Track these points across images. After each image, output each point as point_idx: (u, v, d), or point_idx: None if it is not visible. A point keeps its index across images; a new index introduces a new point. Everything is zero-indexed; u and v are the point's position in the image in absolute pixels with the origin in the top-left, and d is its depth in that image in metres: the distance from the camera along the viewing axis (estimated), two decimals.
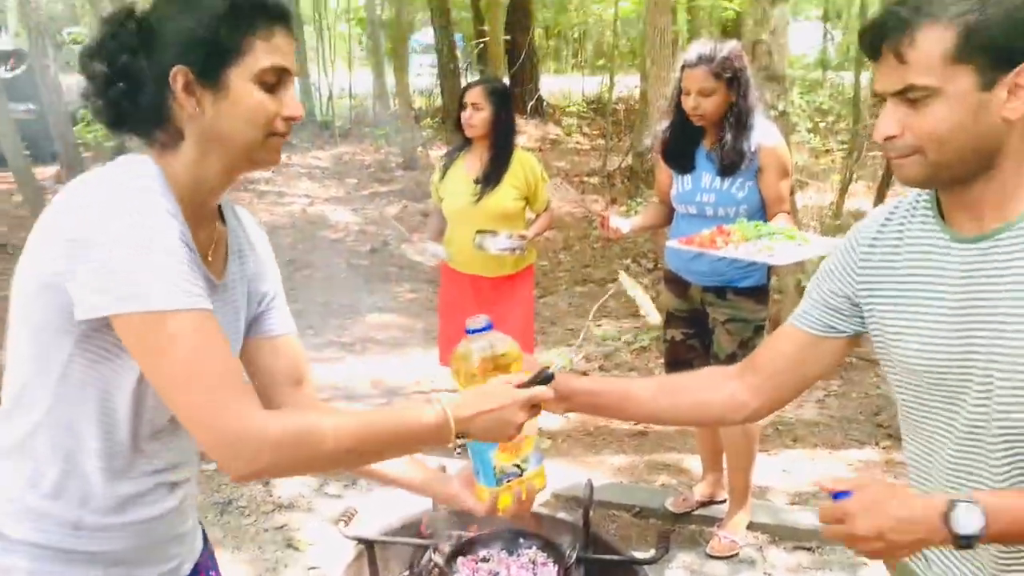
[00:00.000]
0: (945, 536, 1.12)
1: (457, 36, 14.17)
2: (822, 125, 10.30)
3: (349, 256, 8.03)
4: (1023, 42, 1.11)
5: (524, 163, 3.71)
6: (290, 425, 1.15)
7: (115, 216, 1.11)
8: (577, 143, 12.75)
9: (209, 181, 1.25)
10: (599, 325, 6.11)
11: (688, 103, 2.94)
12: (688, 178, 3.06)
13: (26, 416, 1.23)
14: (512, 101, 3.95)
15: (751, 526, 3.29)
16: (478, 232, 3.59)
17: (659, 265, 6.91)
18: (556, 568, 1.95)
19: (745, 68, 2.94)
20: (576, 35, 19.64)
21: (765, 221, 2.93)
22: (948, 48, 1.11)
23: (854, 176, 7.55)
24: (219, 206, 1.35)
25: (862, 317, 1.38)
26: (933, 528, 1.12)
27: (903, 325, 1.29)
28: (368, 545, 2.05)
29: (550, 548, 2.02)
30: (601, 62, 16.03)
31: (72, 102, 10.80)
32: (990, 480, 1.22)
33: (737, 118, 2.94)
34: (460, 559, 1.99)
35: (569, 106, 14.07)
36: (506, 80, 10.49)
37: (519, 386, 1.32)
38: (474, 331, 1.39)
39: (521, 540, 2.04)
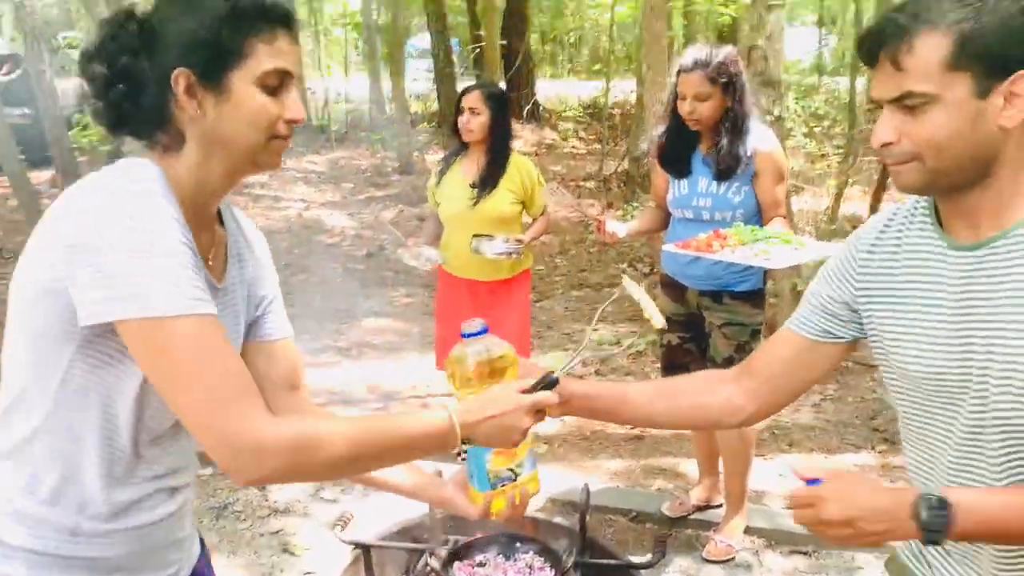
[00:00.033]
0: (912, 529, 1.13)
1: (453, 41, 14.20)
2: (817, 130, 10.34)
3: (345, 261, 8.03)
4: (1018, 50, 1.12)
5: (521, 167, 3.71)
6: (297, 431, 1.15)
7: (117, 220, 1.10)
8: (573, 147, 12.77)
9: (211, 184, 1.25)
10: (595, 329, 6.11)
11: (684, 108, 2.95)
12: (684, 182, 3.07)
13: (24, 422, 1.22)
14: (509, 105, 3.95)
15: (747, 530, 3.29)
16: (475, 236, 3.59)
17: (655, 269, 6.92)
18: (553, 573, 1.94)
19: (741, 73, 2.95)
20: (572, 40, 19.69)
21: (761, 225, 2.93)
22: (945, 55, 1.12)
23: (849, 181, 7.57)
24: (218, 209, 1.35)
25: (860, 323, 1.38)
26: (902, 520, 1.14)
27: (901, 332, 1.29)
28: (364, 550, 2.05)
29: (547, 553, 2.01)
30: (597, 67, 16.07)
31: (67, 106, 10.80)
32: (991, 483, 1.23)
33: (733, 123, 2.94)
34: (456, 564, 1.98)
35: (565, 111, 14.10)
36: (502, 85, 10.50)
37: (523, 391, 1.31)
38: (469, 335, 1.39)
39: (518, 545, 2.04)
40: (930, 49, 1.12)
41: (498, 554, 2.03)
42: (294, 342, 1.48)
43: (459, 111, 3.67)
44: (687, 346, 3.20)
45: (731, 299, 3.04)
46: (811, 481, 1.21)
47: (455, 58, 13.61)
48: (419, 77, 15.17)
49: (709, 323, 3.08)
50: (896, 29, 1.15)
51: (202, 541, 1.52)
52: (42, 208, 8.04)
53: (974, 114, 1.13)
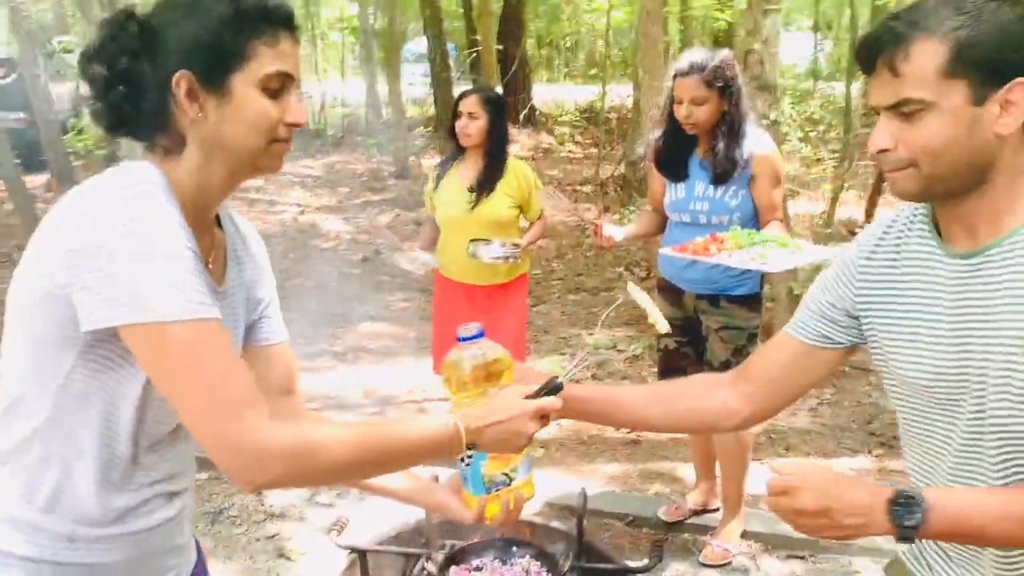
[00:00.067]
0: (887, 525, 1.14)
1: (450, 46, 14.20)
2: (813, 135, 10.36)
3: (341, 265, 8.02)
4: (1014, 58, 1.12)
5: (518, 171, 3.71)
6: (301, 436, 1.14)
7: (119, 223, 1.09)
8: (570, 152, 12.78)
9: (212, 187, 1.24)
10: (591, 334, 6.11)
11: (680, 112, 2.95)
12: (681, 186, 3.07)
13: (23, 427, 1.21)
14: (506, 110, 3.95)
15: (744, 535, 3.29)
16: (471, 241, 3.59)
17: (652, 273, 6.92)
18: None
19: (737, 77, 2.95)
20: (568, 45, 19.73)
21: (758, 229, 2.93)
22: (942, 63, 1.12)
23: (845, 185, 7.58)
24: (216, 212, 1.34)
25: (859, 329, 1.38)
26: (877, 516, 1.15)
27: (900, 338, 1.30)
28: (360, 554, 2.04)
29: (543, 557, 2.01)
30: (593, 71, 16.08)
31: (62, 110, 10.80)
32: (990, 485, 1.23)
33: (729, 127, 2.95)
34: (453, 568, 1.98)
35: (562, 115, 14.11)
36: (499, 89, 10.51)
37: (528, 397, 1.31)
38: (465, 339, 1.39)
39: (514, 549, 2.04)
40: (927, 56, 1.13)
41: (495, 558, 2.02)
42: (289, 346, 1.48)
43: (456, 115, 3.67)
44: (684, 350, 3.19)
45: (728, 303, 3.04)
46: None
47: (451, 63, 13.61)
48: (415, 81, 15.16)
49: (706, 327, 3.08)
50: (893, 36, 1.15)
51: (198, 546, 1.51)
52: (37, 212, 8.03)
53: (970, 121, 1.13)
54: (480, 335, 1.39)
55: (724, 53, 3.00)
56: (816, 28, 15.61)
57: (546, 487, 3.58)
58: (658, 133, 3.15)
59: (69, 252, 1.10)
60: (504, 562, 2.01)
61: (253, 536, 3.41)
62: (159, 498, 1.30)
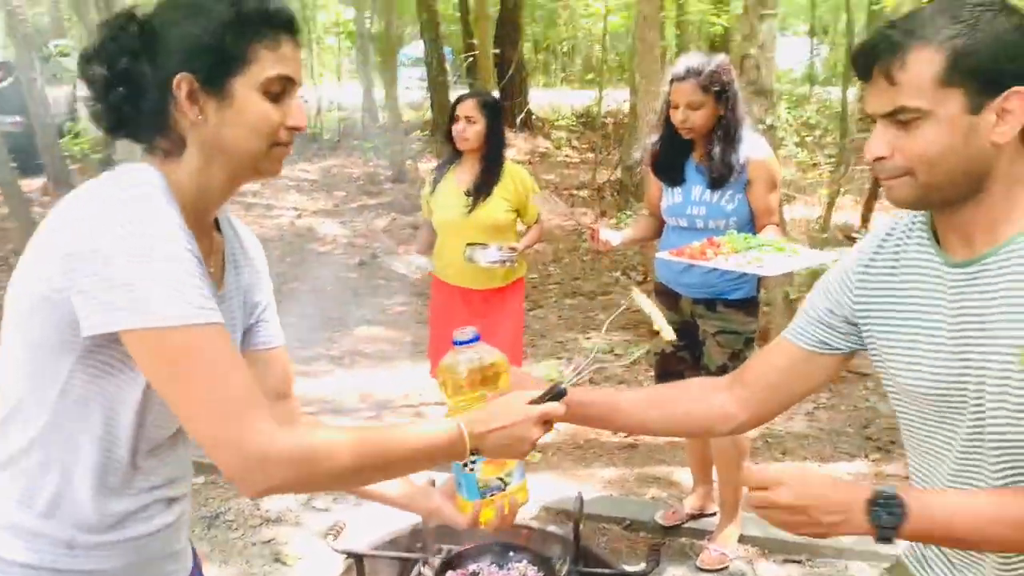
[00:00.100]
0: (865, 525, 1.15)
1: (446, 50, 14.20)
2: (809, 139, 10.37)
3: (337, 269, 8.01)
4: (1011, 67, 1.12)
5: (515, 175, 3.71)
6: (305, 441, 1.13)
7: (119, 226, 1.08)
8: (566, 156, 12.79)
9: (212, 190, 1.23)
10: (588, 338, 6.11)
11: (677, 116, 2.95)
12: (678, 191, 3.07)
13: (21, 433, 1.20)
14: (503, 113, 3.96)
15: (741, 539, 3.29)
16: (468, 245, 3.58)
17: (648, 278, 6.93)
18: None
19: (733, 81, 2.96)
20: (565, 49, 19.75)
21: (754, 233, 2.94)
22: (938, 71, 1.12)
23: (841, 190, 7.59)
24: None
25: (859, 335, 1.39)
26: (855, 515, 1.15)
27: (899, 347, 1.30)
28: (357, 559, 2.03)
29: (540, 561, 2.00)
30: (590, 76, 16.11)
31: (59, 114, 10.80)
32: (994, 483, 1.23)
33: (725, 131, 2.95)
34: (449, 573, 1.98)
35: (558, 120, 14.11)
36: (495, 93, 10.53)
37: (532, 402, 1.31)
38: (461, 343, 1.38)
39: (511, 554, 2.03)
40: (923, 64, 1.13)
41: (491, 563, 2.02)
42: (286, 350, 1.47)
43: (453, 119, 3.67)
44: (681, 354, 3.19)
45: (725, 307, 3.04)
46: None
47: (448, 67, 13.62)
48: (412, 86, 15.17)
49: (703, 331, 3.08)
50: (890, 45, 1.15)
51: (193, 551, 1.50)
52: (33, 216, 8.02)
53: (966, 130, 1.14)
54: (476, 339, 1.39)
55: (720, 58, 3.01)
56: (812, 33, 15.66)
57: (543, 491, 3.58)
58: (655, 137, 3.16)
59: (67, 256, 1.09)
60: (501, 567, 2.00)
61: (249, 541, 3.40)
62: (158, 503, 1.30)
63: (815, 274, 4.91)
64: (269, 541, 3.40)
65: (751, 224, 3.00)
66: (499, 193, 3.65)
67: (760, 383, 1.49)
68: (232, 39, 1.16)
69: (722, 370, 3.00)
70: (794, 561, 3.23)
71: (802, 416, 4.55)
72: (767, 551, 3.28)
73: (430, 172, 4.01)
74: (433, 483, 1.66)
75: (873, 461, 4.04)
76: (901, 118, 1.16)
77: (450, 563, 2.00)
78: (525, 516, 3.27)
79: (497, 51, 12.52)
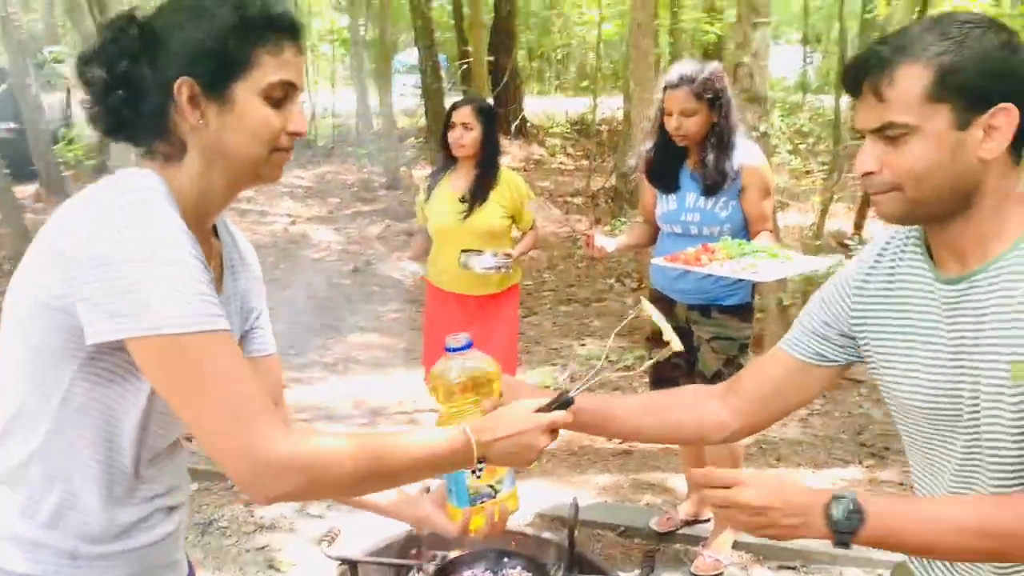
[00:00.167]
0: (824, 529, 1.16)
1: (441, 57, 14.24)
2: (802, 147, 10.41)
3: (331, 275, 8.01)
4: (998, 84, 1.14)
5: (510, 182, 3.72)
6: (316, 448, 1.12)
7: (123, 232, 1.07)
8: (561, 163, 12.81)
9: (213, 195, 1.22)
10: (583, 344, 6.11)
11: (671, 124, 2.96)
12: (673, 198, 3.08)
13: (22, 443, 1.18)
14: (498, 119, 3.96)
15: (736, 545, 3.29)
16: (463, 251, 3.59)
17: (643, 284, 6.94)
18: None
19: (726, 88, 2.97)
20: (559, 57, 19.80)
21: (748, 240, 2.95)
22: (925, 87, 1.14)
23: (834, 197, 7.62)
24: None
25: (855, 348, 1.40)
26: (814, 518, 1.17)
27: (896, 362, 1.31)
28: (351, 565, 2.03)
29: (535, 568, 2.00)
30: (584, 83, 16.16)
31: (53, 121, 10.78)
32: (992, 492, 1.24)
33: (719, 138, 2.96)
34: None
35: (553, 127, 14.14)
36: (490, 100, 10.55)
37: (539, 410, 1.30)
38: (454, 349, 1.38)
39: (506, 560, 2.03)
40: (911, 81, 1.14)
41: (486, 569, 2.01)
42: (278, 358, 1.47)
43: (449, 126, 3.67)
44: (675, 360, 3.19)
45: (720, 313, 3.05)
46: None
47: (442, 74, 13.64)
48: (406, 92, 15.20)
49: (698, 337, 3.09)
50: (879, 61, 1.17)
51: (188, 559, 1.50)
52: (26, 223, 8.00)
53: (954, 145, 1.15)
54: (469, 346, 1.39)
55: (713, 65, 3.02)
56: (805, 41, 15.71)
57: (537, 498, 3.58)
58: (649, 145, 3.17)
59: (69, 262, 1.07)
60: (495, 573, 1.99)
61: (243, 547, 3.39)
62: (159, 512, 1.29)
63: (809, 281, 4.95)
64: (263, 548, 3.39)
65: (745, 231, 3.01)
66: (494, 199, 3.66)
67: (755, 393, 1.50)
68: (235, 43, 1.15)
69: (717, 376, 3.01)
70: (788, 567, 3.23)
71: (796, 422, 4.56)
72: (761, 557, 3.29)
73: (424, 179, 4.02)
74: (428, 490, 1.66)
75: (867, 467, 4.05)
76: (889, 133, 1.17)
77: (444, 570, 2.00)
78: (520, 522, 3.26)
79: (491, 58, 12.55)
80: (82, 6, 7.40)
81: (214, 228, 1.33)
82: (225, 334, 1.10)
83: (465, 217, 3.64)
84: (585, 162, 11.82)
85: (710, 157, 2.96)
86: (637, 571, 1.97)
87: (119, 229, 1.07)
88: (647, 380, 3.45)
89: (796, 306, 5.17)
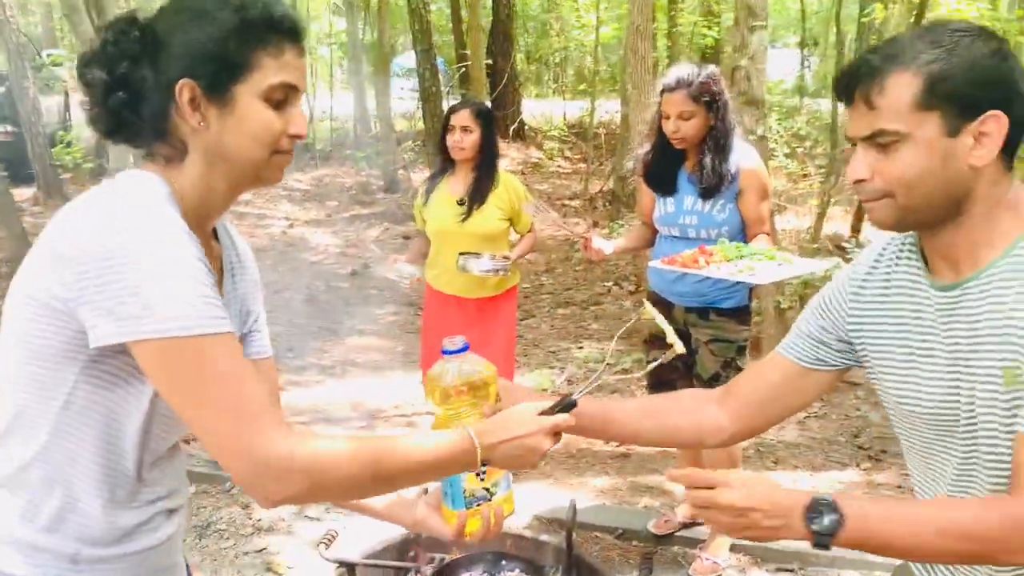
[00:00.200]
0: (803, 531, 1.17)
1: (439, 60, 14.24)
2: (800, 150, 10.43)
3: (329, 278, 8.01)
4: (987, 91, 1.15)
5: (508, 185, 3.73)
6: (321, 450, 1.12)
7: (126, 234, 1.06)
8: (559, 167, 12.82)
9: (214, 198, 1.22)
10: (580, 347, 6.12)
11: (668, 127, 2.97)
12: (670, 200, 3.09)
13: (22, 446, 1.17)
14: (496, 123, 3.97)
15: (734, 548, 3.29)
16: (461, 254, 3.59)
17: (641, 287, 6.95)
18: None
19: (723, 92, 2.98)
20: (557, 60, 19.80)
21: (746, 242, 2.95)
22: (915, 95, 1.15)
23: (831, 200, 7.64)
24: None
25: (853, 352, 1.41)
26: (794, 520, 1.17)
27: (893, 367, 1.32)
28: (349, 568, 2.03)
29: (533, 570, 2.00)
30: (582, 87, 16.16)
31: (50, 124, 10.78)
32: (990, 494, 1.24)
33: (716, 141, 2.97)
34: None
35: (551, 130, 14.16)
36: (488, 104, 10.55)
37: (542, 413, 1.31)
38: (450, 352, 1.39)
39: (503, 562, 2.03)
40: (901, 89, 1.15)
41: (484, 572, 2.01)
42: (274, 362, 1.47)
43: (448, 130, 3.68)
44: (673, 363, 3.19)
45: (717, 316, 3.05)
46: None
47: (440, 77, 13.65)
48: (404, 96, 15.21)
49: (696, 340, 3.09)
50: (869, 69, 1.18)
51: (185, 561, 1.49)
52: (24, 226, 8.00)
53: (944, 152, 1.16)
54: (465, 348, 1.39)
55: (710, 68, 3.03)
56: (803, 45, 15.73)
57: (535, 500, 3.58)
58: (646, 148, 3.17)
59: (72, 265, 1.07)
60: (493, 575, 2.00)
61: (241, 550, 3.39)
62: (160, 515, 1.28)
63: (806, 284, 4.96)
64: (261, 550, 3.38)
65: (742, 233, 3.02)
66: (492, 202, 3.66)
67: (752, 397, 1.51)
68: (236, 46, 1.15)
69: (715, 378, 3.01)
70: (786, 570, 3.23)
71: (794, 425, 4.56)
72: (759, 560, 3.29)
73: (423, 182, 4.02)
74: (426, 491, 1.66)
75: (864, 470, 4.05)
76: (880, 141, 1.18)
77: (442, 572, 2.00)
78: (518, 525, 3.26)
79: (489, 62, 12.56)
80: (80, 9, 7.40)
81: (214, 231, 1.33)
82: (228, 336, 1.10)
83: (463, 220, 3.65)
84: (583, 165, 11.84)
85: (707, 160, 2.97)
86: (635, 574, 1.97)
87: (122, 231, 1.06)
88: (645, 383, 3.45)
89: (794, 309, 5.18)
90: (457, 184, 3.72)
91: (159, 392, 1.12)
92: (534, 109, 15.34)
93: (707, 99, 2.92)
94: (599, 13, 12.04)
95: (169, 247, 1.08)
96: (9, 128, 10.77)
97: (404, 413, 4.88)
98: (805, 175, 9.88)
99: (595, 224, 9.07)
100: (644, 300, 1.90)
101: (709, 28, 12.10)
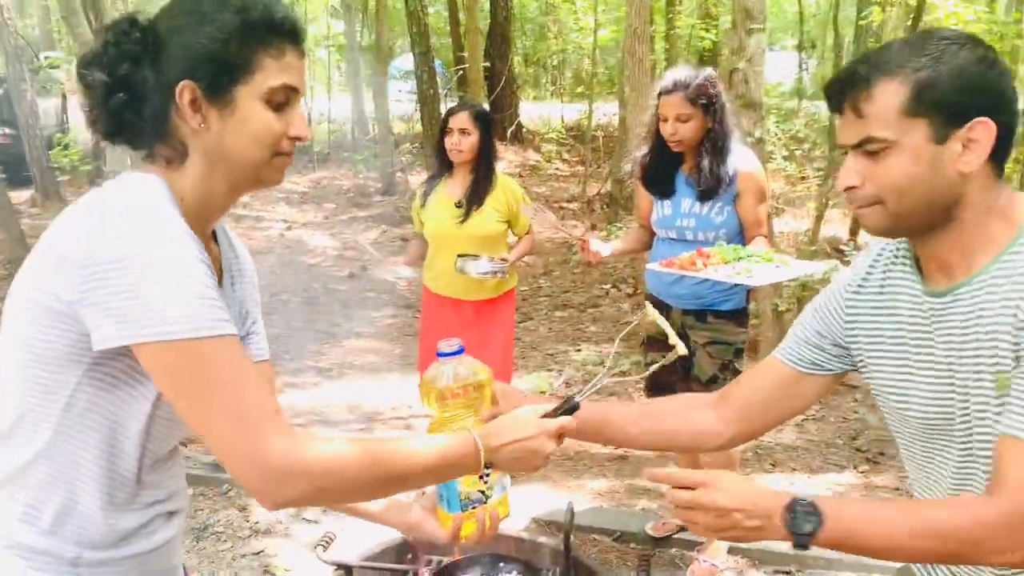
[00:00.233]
0: (783, 532, 1.18)
1: (437, 63, 14.24)
2: (798, 153, 10.43)
3: (327, 281, 8.01)
4: (975, 98, 1.16)
5: (506, 187, 3.73)
6: (325, 453, 1.12)
7: (130, 237, 1.06)
8: (557, 169, 12.83)
9: (214, 199, 1.22)
10: (578, 350, 6.12)
11: (666, 129, 2.98)
12: (668, 203, 3.09)
13: (23, 448, 1.17)
14: (494, 125, 3.97)
15: (731, 550, 3.29)
16: (459, 256, 3.59)
17: (639, 290, 6.95)
18: None
19: (720, 94, 2.98)
20: (555, 63, 19.81)
21: (744, 245, 2.96)
22: (903, 102, 1.16)
23: (829, 203, 7.64)
24: None
25: (850, 357, 1.42)
26: (774, 520, 1.18)
27: (889, 372, 1.33)
28: (347, 570, 2.03)
29: (530, 572, 2.00)
30: (580, 89, 16.18)
31: (48, 126, 10.79)
32: None
33: (713, 144, 2.98)
34: None
35: (548, 133, 14.16)
36: (485, 106, 10.55)
37: (545, 415, 1.31)
38: (446, 354, 1.39)
39: (501, 565, 2.03)
40: (888, 96, 1.17)
41: (482, 574, 2.01)
42: (272, 364, 1.47)
43: (445, 132, 3.68)
44: (672, 365, 3.18)
45: (715, 318, 3.05)
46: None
47: (438, 80, 13.66)
48: (402, 98, 15.21)
49: (693, 342, 3.09)
50: (857, 78, 1.20)
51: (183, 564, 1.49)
52: (22, 228, 8.00)
53: (932, 159, 1.17)
54: (460, 351, 1.39)
55: (707, 71, 3.03)
56: (801, 48, 15.76)
57: (533, 503, 3.58)
58: (644, 150, 3.18)
59: (75, 267, 1.06)
60: None
61: (238, 552, 3.38)
62: (160, 518, 1.28)
63: (804, 286, 4.95)
64: (258, 553, 3.38)
65: (740, 236, 3.02)
66: (490, 204, 3.67)
67: (749, 401, 1.51)
68: (236, 47, 1.15)
69: (713, 380, 3.02)
70: (783, 572, 3.23)
71: (792, 427, 4.56)
72: (757, 562, 3.29)
73: (420, 185, 4.02)
74: (424, 493, 1.66)
75: (862, 473, 4.05)
76: (869, 148, 1.19)
77: (440, 574, 2.00)
78: (515, 527, 3.26)
79: (487, 64, 12.56)
80: (78, 12, 7.41)
81: (213, 233, 1.33)
82: (232, 338, 1.10)
83: (461, 222, 3.65)
84: (580, 168, 11.85)
85: (705, 162, 2.97)
86: None
87: (125, 234, 1.06)
88: (642, 385, 3.45)
89: (792, 311, 5.18)
90: (455, 186, 3.72)
91: (163, 395, 1.12)
92: (532, 112, 15.34)
93: (704, 102, 2.93)
94: (597, 16, 12.04)
95: (172, 249, 1.07)
96: (7, 130, 10.78)
97: (401, 415, 4.88)
98: (803, 178, 9.88)
99: (593, 227, 9.07)
100: (646, 302, 1.91)
101: (707, 31, 12.10)
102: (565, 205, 10.42)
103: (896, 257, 1.35)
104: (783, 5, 17.37)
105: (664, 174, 3.11)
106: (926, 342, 1.27)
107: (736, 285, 2.84)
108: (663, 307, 3.15)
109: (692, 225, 3.03)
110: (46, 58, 13.03)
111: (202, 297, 1.07)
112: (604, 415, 1.57)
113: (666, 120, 2.97)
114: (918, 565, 1.43)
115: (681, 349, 1.46)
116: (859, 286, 1.39)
